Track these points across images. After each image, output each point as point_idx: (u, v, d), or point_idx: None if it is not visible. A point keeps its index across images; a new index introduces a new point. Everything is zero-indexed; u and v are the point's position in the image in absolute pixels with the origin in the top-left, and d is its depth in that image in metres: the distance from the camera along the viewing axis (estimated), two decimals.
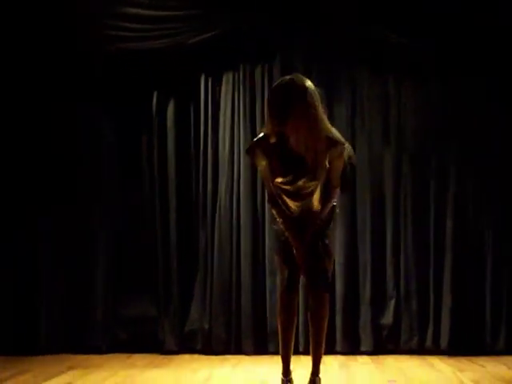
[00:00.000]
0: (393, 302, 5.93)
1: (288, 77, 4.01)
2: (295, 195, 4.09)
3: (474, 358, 5.62)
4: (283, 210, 4.14)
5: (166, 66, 6.08)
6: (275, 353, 5.32)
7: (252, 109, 6.05)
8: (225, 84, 6.12)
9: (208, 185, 6.08)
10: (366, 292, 5.93)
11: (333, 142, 4.01)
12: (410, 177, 5.99)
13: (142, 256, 6.11)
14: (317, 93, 3.97)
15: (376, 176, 6.02)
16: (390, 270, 5.97)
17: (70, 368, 5.41)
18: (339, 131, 4.22)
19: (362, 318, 5.93)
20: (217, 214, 6.05)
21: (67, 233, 6.07)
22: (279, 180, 4.05)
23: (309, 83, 3.97)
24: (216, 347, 5.97)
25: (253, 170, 5.81)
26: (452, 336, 5.81)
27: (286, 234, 4.13)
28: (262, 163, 4.08)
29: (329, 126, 4.06)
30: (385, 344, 5.92)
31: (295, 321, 4.26)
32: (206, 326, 5.99)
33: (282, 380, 4.28)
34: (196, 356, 5.92)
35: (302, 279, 4.26)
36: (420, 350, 5.88)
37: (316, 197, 4.11)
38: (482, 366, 5.35)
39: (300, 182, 4.02)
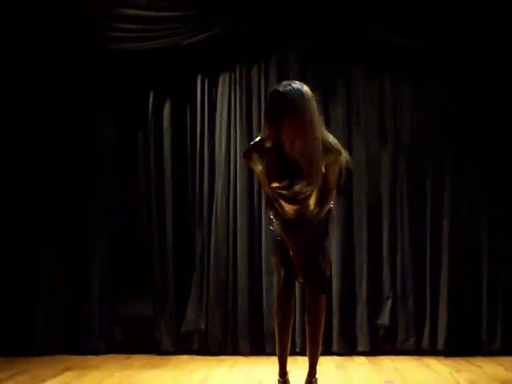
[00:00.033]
0: (389, 303, 5.93)
1: (285, 82, 3.95)
2: (292, 200, 4.07)
3: (470, 359, 5.62)
4: (280, 214, 4.13)
5: (162, 66, 6.09)
6: (272, 353, 5.32)
7: (248, 109, 6.05)
8: (221, 85, 6.12)
9: (204, 185, 6.08)
10: (363, 292, 5.93)
11: (328, 150, 3.98)
12: (406, 176, 5.99)
13: (139, 257, 6.12)
14: (313, 100, 3.92)
15: (372, 175, 6.02)
16: (386, 270, 5.97)
17: (68, 369, 5.40)
18: (336, 131, 4.22)
19: (358, 318, 5.92)
20: (213, 215, 6.04)
21: (67, 233, 6.08)
22: (275, 185, 4.03)
23: (306, 89, 3.91)
24: (212, 348, 5.96)
25: (249, 170, 5.79)
26: (449, 336, 5.81)
27: (283, 236, 4.12)
28: (259, 167, 4.06)
29: (325, 132, 4.02)
30: (381, 344, 5.92)
31: (292, 321, 4.25)
32: (203, 327, 5.99)
33: (279, 381, 4.28)
34: (193, 357, 5.92)
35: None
36: (417, 350, 5.88)
37: (313, 201, 4.10)
38: (479, 367, 5.35)
39: (296, 187, 4.00)
